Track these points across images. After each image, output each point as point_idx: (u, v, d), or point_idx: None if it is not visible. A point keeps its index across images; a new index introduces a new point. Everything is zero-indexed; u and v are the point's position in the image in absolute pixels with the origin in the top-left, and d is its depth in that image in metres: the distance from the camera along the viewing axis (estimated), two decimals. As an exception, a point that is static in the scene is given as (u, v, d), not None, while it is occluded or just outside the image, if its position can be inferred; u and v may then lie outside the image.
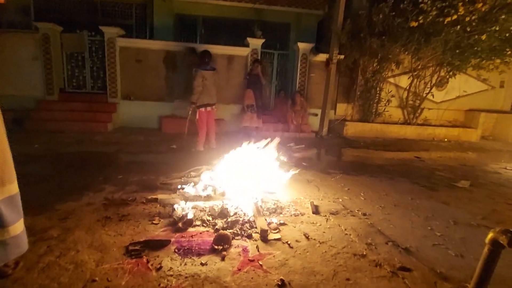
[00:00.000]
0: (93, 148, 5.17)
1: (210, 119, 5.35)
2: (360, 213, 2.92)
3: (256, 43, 7.61)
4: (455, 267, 2.07)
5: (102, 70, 7.37)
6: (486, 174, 4.99)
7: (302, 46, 7.87)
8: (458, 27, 6.76)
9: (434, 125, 8.88)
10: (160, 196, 2.91)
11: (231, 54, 7.65)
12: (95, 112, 6.96)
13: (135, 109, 7.40)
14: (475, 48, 7.20)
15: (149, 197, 2.87)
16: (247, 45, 7.69)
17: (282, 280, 1.76)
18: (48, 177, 3.51)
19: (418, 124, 8.68)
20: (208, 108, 5.21)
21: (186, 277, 1.75)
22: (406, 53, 7.68)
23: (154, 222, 2.43)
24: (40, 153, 4.60)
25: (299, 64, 8.00)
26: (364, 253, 2.16)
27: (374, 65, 7.97)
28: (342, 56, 7.72)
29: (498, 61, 7.60)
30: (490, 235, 0.96)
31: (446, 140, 8.50)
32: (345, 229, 2.53)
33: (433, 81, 8.30)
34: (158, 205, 2.77)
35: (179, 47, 7.47)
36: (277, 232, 2.35)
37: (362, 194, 3.50)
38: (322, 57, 7.97)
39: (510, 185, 4.36)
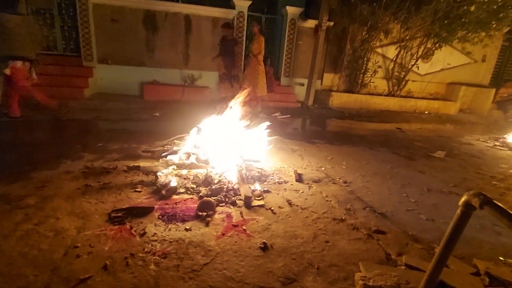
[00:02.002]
0: (69, 115, 4.90)
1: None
2: (341, 181, 3.02)
3: (242, 4, 7.17)
4: (426, 230, 2.22)
5: (75, 30, 6.76)
6: (460, 145, 5.25)
7: (291, 10, 7.52)
8: (449, -5, 6.65)
9: (417, 98, 9.07)
10: (142, 163, 2.85)
11: (216, 16, 7.20)
12: (70, 76, 6.49)
13: (113, 74, 6.98)
14: (463, 20, 7.18)
15: (131, 165, 2.80)
16: (233, 7, 7.23)
17: (264, 243, 1.82)
18: (21, 144, 3.33)
19: (402, 96, 8.83)
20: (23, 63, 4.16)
21: (170, 242, 1.78)
22: (396, 22, 7.54)
23: (137, 190, 2.40)
24: (11, 120, 4.32)
25: (286, 30, 7.70)
26: (343, 217, 2.26)
27: (363, 33, 7.81)
28: (331, 23, 7.48)
29: (483, 34, 7.65)
30: (464, 197, 1.00)
31: (426, 112, 8.75)
32: (326, 196, 2.62)
33: (420, 53, 8.31)
34: (141, 173, 2.72)
35: (160, 6, 6.91)
36: (260, 199, 2.40)
37: (344, 163, 3.60)
38: (311, 23, 7.68)
39: (481, 156, 4.63)
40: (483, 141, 5.67)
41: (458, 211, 1.04)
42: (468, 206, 1.00)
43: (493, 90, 9.27)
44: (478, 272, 1.73)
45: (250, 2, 7.19)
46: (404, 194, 2.85)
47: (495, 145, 5.45)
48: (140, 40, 6.98)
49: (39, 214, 1.95)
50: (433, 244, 2.02)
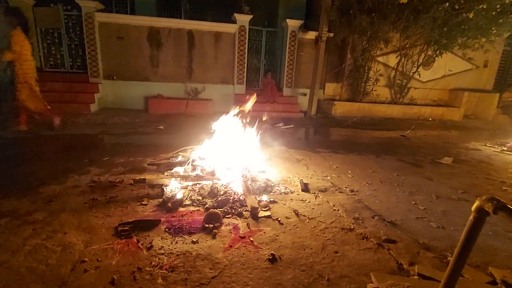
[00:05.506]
0: (76, 130, 4.98)
1: None
2: (348, 189, 2.99)
3: (243, 19, 7.35)
4: (437, 238, 2.17)
5: (81, 48, 6.97)
6: (467, 151, 5.18)
7: (291, 23, 7.67)
8: (447, 4, 6.73)
9: (420, 104, 9.04)
10: (148, 177, 2.86)
11: (218, 31, 7.37)
12: (76, 92, 6.65)
13: (119, 90, 7.13)
14: (462, 27, 7.23)
15: (137, 179, 2.81)
16: (234, 22, 7.41)
17: (272, 255, 1.79)
18: (29, 160, 3.37)
19: (405, 104, 8.82)
20: None
21: (177, 255, 1.76)
22: (395, 31, 7.63)
23: (143, 203, 2.40)
24: (20, 136, 4.40)
25: (287, 42, 7.83)
26: (352, 227, 2.23)
27: (363, 43, 7.90)
28: (331, 34, 7.59)
29: (483, 39, 7.68)
30: (476, 203, 0.98)
31: (430, 119, 8.71)
32: (334, 205, 2.59)
33: (420, 60, 8.36)
34: (147, 186, 2.72)
35: (163, 23, 7.11)
36: (267, 210, 2.38)
37: (350, 171, 3.57)
38: (311, 34, 7.81)
39: (490, 161, 4.55)
40: (491, 146, 5.60)
41: (471, 217, 1.02)
42: (481, 211, 0.98)
43: (497, 95, 9.23)
44: (495, 281, 1.68)
45: (251, 17, 7.37)
46: (413, 202, 2.81)
47: (503, 150, 5.37)
48: (144, 56, 7.15)
49: (47, 229, 1.95)
50: (446, 252, 1.97)
